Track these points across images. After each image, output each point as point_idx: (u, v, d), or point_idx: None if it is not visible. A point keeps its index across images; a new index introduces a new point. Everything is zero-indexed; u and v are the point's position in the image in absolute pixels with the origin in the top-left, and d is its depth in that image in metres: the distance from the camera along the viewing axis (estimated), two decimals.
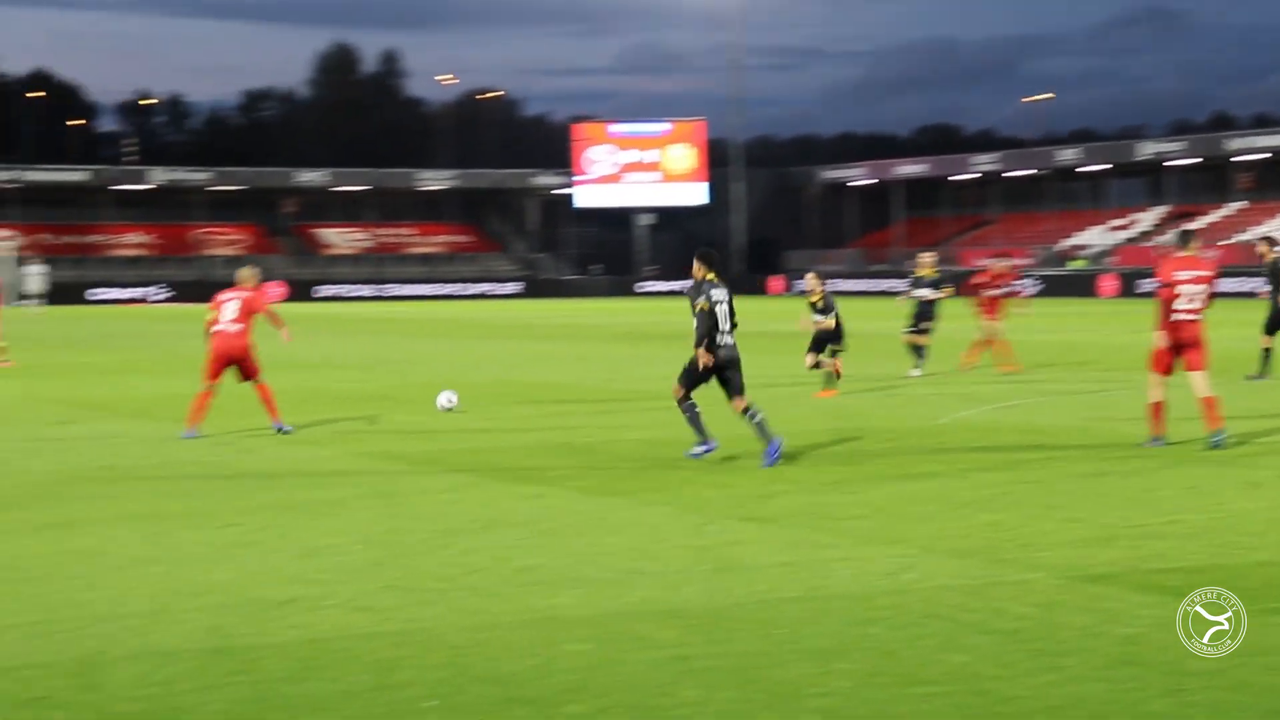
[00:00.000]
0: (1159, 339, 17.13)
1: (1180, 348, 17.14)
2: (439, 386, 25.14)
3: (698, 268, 16.73)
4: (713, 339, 16.33)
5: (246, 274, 20.60)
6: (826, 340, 24.69)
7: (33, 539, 12.33)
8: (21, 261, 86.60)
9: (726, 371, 16.46)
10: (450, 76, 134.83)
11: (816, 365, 24.63)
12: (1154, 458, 16.41)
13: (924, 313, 28.88)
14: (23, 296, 79.97)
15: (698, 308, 16.32)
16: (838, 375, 24.60)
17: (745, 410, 16.44)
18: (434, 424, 20.67)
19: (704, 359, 16.35)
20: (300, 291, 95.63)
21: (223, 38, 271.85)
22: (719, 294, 16.46)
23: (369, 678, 8.21)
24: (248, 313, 19.94)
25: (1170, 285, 17.08)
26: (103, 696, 7.94)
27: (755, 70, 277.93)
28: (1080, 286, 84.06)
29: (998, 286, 30.26)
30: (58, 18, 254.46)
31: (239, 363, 19.89)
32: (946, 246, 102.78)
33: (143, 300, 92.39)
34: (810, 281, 25.19)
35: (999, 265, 31.22)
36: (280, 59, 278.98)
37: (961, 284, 34.25)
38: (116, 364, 33.98)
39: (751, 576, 10.59)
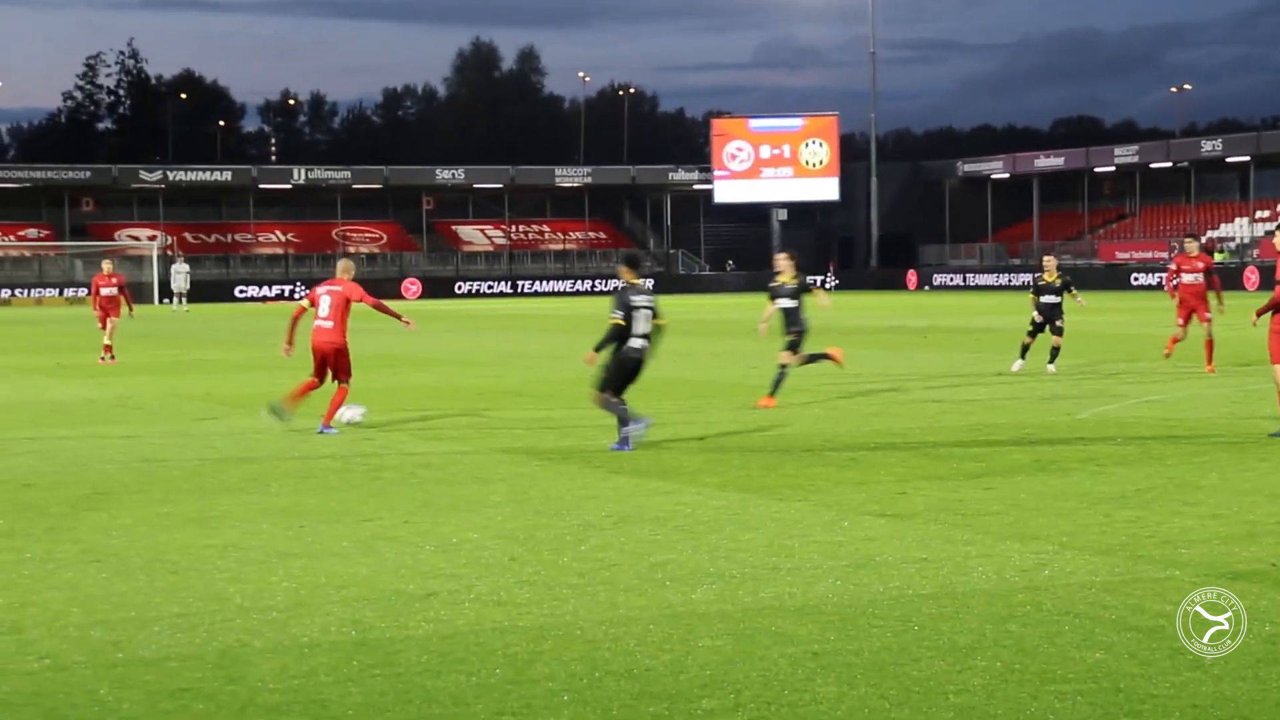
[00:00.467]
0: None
1: None
2: (574, 382, 25.28)
3: (624, 271, 18.13)
4: (624, 342, 17.56)
5: (343, 265, 20.58)
6: (791, 334, 22.77)
7: (176, 533, 12.55)
8: (167, 261, 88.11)
9: (634, 372, 17.71)
10: (583, 73, 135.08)
11: (804, 360, 22.79)
12: None
13: (1050, 316, 28.37)
14: (167, 295, 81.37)
15: (611, 322, 17.61)
16: (786, 368, 22.58)
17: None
18: (568, 420, 20.76)
19: (588, 359, 17.86)
20: (438, 288, 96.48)
21: (364, 37, 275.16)
22: (640, 299, 17.72)
23: (506, 671, 8.28)
24: (342, 307, 19.90)
25: None
26: (245, 688, 8.08)
27: (891, 63, 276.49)
28: (1225, 279, 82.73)
29: (1195, 271, 28.42)
30: (204, 20, 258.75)
31: (332, 360, 19.94)
32: (1085, 240, 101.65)
33: (284, 297, 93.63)
34: (781, 262, 23.26)
35: (1192, 245, 29.29)
36: (420, 58, 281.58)
37: (1165, 277, 32.69)
38: (256, 361, 34.45)
39: (887, 573, 10.56)
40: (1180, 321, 28.46)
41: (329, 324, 19.88)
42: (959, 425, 19.56)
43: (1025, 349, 28.12)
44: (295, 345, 20.56)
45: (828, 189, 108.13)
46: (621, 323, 17.58)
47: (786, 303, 22.75)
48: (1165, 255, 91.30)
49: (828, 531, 12.17)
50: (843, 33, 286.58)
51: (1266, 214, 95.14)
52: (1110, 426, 19.18)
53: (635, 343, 17.68)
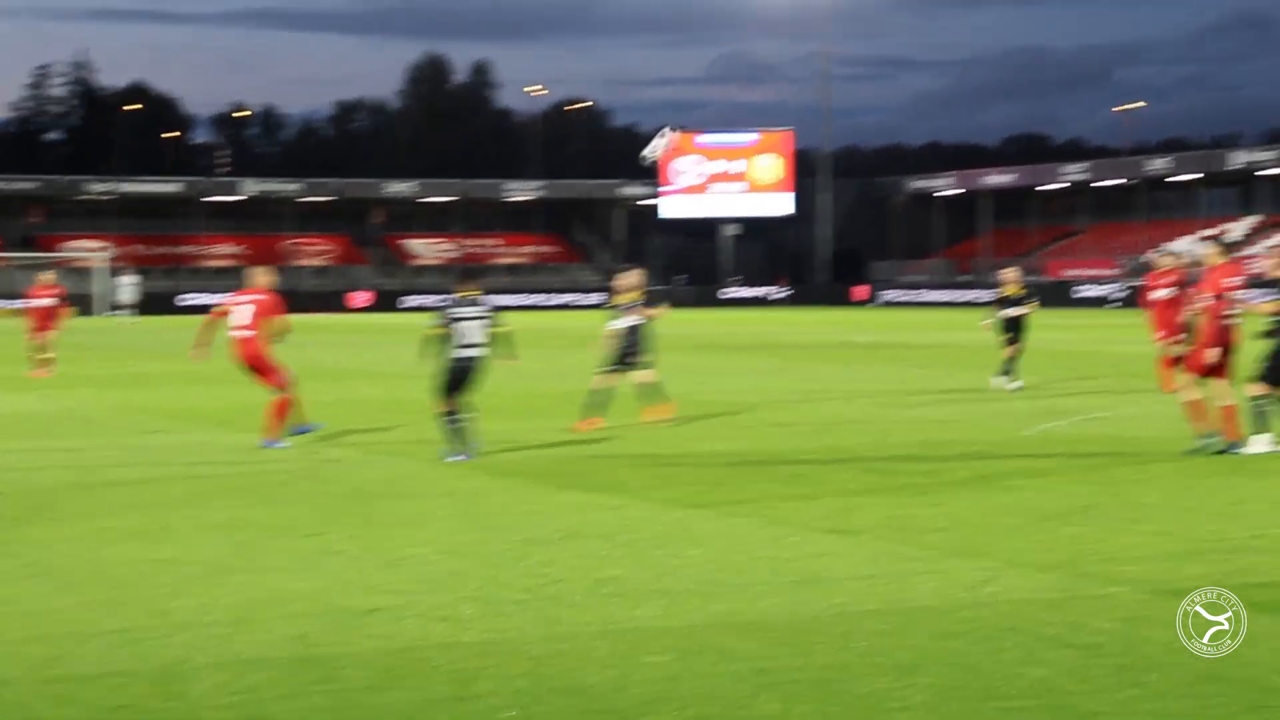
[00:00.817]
0: (1212, 351, 17.40)
1: (1222, 354, 17.50)
2: (520, 396, 25.26)
3: (459, 284, 18.88)
4: (452, 351, 18.32)
5: (258, 275, 20.36)
6: (626, 355, 22.02)
7: (119, 547, 12.45)
8: (115, 272, 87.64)
9: (463, 380, 18.31)
10: (539, 87, 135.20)
11: (610, 388, 21.85)
12: (1242, 470, 16.24)
13: (1012, 329, 28.40)
14: (115, 307, 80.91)
15: (426, 333, 18.66)
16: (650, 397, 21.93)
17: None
18: (516, 435, 20.71)
19: (419, 366, 18.79)
20: (388, 301, 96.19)
21: (316, 50, 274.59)
22: (464, 311, 18.39)
23: (449, 688, 8.25)
24: (262, 317, 19.72)
25: (1222, 294, 17.40)
26: (186, 704, 8.01)
27: (845, 80, 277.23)
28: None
29: (1166, 286, 24.91)
30: (155, 31, 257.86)
31: (255, 370, 19.80)
32: (1034, 257, 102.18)
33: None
34: (627, 279, 22.50)
35: (1164, 260, 25.96)
36: (372, 71, 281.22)
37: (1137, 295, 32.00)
38: (203, 373, 34.25)
39: (832, 589, 10.56)
40: (1159, 335, 28.08)
41: (249, 334, 19.68)
42: (907, 441, 19.60)
43: (1006, 364, 27.90)
44: (209, 350, 20.45)
45: (782, 204, 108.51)
46: (434, 332, 18.40)
47: (623, 323, 22.12)
48: (1114, 272, 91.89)
49: (774, 547, 12.16)
50: (797, 49, 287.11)
51: (1213, 232, 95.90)
52: (1057, 443, 19.26)
53: (459, 352, 18.28)
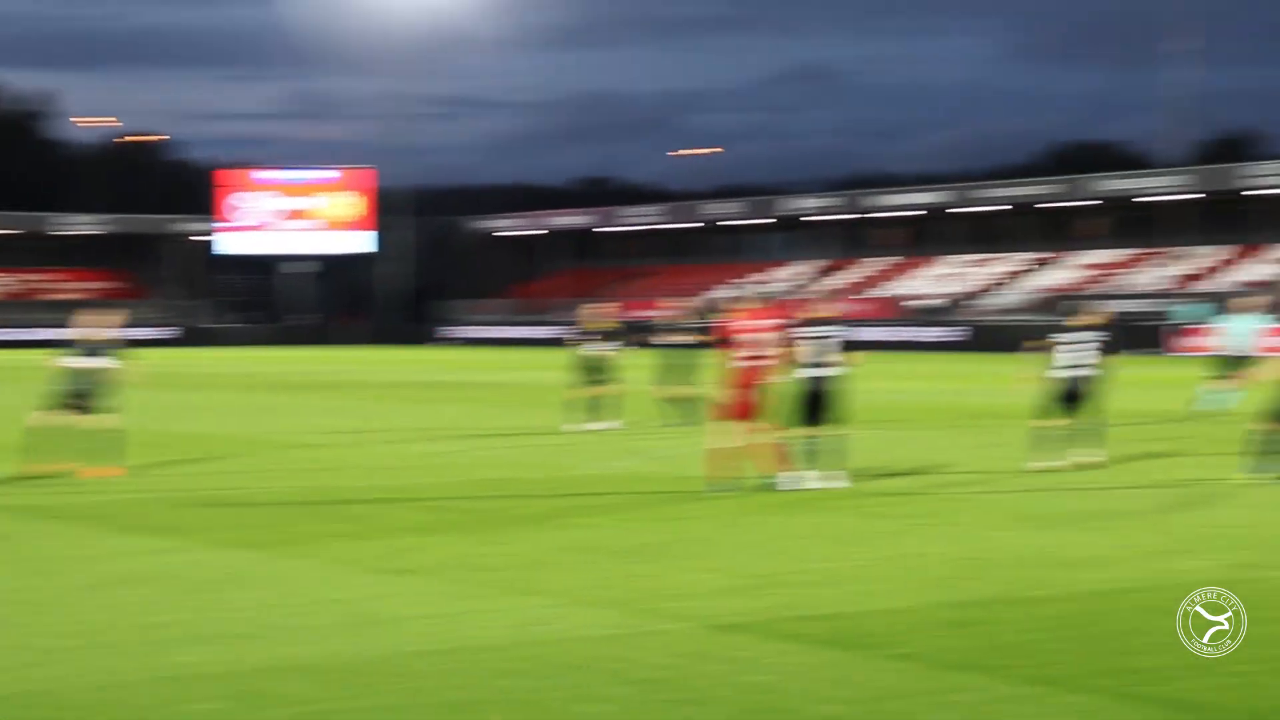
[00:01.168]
0: (743, 394, 18.01)
1: (756, 397, 18.16)
2: (67, 436, 24.35)
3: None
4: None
5: None
6: (78, 397, 20.42)
7: None
8: None
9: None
10: (98, 118, 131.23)
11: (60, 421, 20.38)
12: (796, 508, 16.74)
13: (597, 367, 28.59)
14: None
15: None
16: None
17: None
18: (59, 477, 19.93)
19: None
20: None
21: None
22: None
23: None
24: None
25: (755, 339, 18.16)
26: None
27: (418, 118, 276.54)
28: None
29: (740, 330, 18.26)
30: None
31: None
32: (603, 297, 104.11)
33: None
34: (93, 318, 20.98)
35: (736, 303, 18.99)
36: None
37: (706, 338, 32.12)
38: None
39: (393, 629, 10.45)
40: (734, 378, 28.56)
41: None
42: (471, 480, 19.61)
43: (590, 404, 28.04)
44: None
45: (363, 241, 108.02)
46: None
47: (83, 362, 20.47)
48: (680, 313, 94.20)
49: (331, 588, 11.97)
50: (373, 86, 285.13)
51: (777, 274, 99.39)
52: (625, 482, 19.49)
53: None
